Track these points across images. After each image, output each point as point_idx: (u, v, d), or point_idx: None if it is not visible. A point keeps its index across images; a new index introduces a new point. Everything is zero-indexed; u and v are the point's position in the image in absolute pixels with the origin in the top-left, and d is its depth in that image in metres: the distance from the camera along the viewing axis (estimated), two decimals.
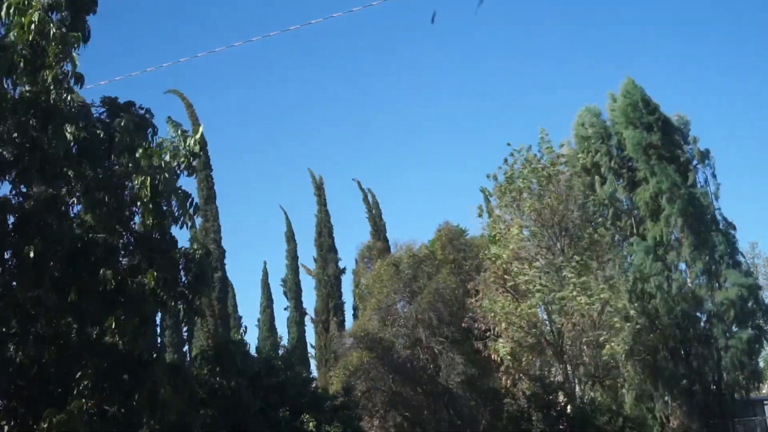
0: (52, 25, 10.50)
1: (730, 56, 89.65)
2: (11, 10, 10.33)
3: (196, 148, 11.86)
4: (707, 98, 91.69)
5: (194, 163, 12.23)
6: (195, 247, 13.04)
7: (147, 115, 12.26)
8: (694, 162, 31.28)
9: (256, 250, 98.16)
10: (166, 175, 11.21)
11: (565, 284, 24.17)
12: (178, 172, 11.73)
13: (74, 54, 10.69)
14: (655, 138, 30.63)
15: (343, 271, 44.75)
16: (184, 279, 12.37)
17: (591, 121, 32.34)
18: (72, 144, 10.99)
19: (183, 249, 12.55)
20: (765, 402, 35.03)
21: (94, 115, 12.03)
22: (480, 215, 28.05)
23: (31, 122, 10.63)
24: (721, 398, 29.72)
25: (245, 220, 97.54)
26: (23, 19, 10.24)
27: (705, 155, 31.34)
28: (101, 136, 11.72)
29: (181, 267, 12.34)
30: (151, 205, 11.30)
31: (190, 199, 11.95)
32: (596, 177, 31.50)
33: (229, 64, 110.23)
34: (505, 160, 26.62)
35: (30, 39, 10.25)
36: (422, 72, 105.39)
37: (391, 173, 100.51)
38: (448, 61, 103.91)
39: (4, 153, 10.91)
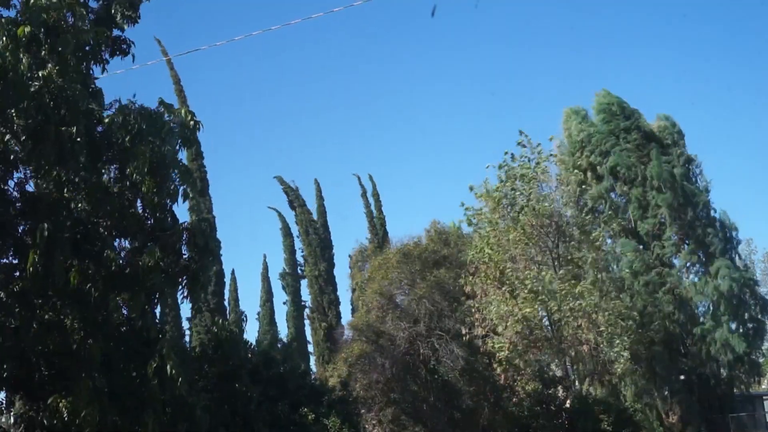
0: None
1: (732, 51, 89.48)
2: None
3: (188, 118, 11.81)
4: (710, 94, 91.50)
5: (190, 136, 12.18)
6: (195, 218, 13.01)
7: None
8: (682, 160, 31.27)
9: (259, 243, 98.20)
10: (169, 148, 11.18)
11: (564, 283, 24.07)
12: (177, 147, 11.69)
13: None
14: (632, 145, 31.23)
15: (333, 266, 45.37)
16: (187, 253, 12.26)
17: (578, 128, 32.31)
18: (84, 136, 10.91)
19: (184, 223, 12.47)
20: (765, 397, 34.93)
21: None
22: (465, 225, 28.61)
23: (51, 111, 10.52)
24: (719, 393, 29.64)
25: (248, 213, 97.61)
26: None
27: (690, 159, 31.44)
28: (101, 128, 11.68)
29: (183, 241, 12.24)
30: (151, 179, 11.22)
31: (189, 173, 11.92)
32: (589, 173, 31.45)
33: (229, 58, 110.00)
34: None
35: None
36: (422, 63, 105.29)
37: (391, 167, 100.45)
38: (448, 53, 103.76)
39: (17, 142, 10.82)
